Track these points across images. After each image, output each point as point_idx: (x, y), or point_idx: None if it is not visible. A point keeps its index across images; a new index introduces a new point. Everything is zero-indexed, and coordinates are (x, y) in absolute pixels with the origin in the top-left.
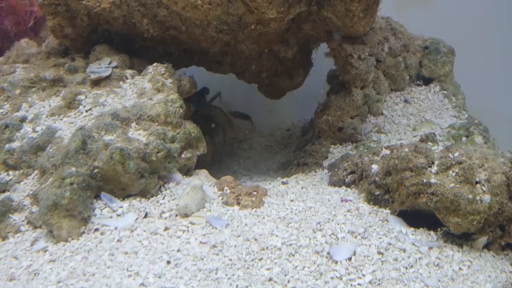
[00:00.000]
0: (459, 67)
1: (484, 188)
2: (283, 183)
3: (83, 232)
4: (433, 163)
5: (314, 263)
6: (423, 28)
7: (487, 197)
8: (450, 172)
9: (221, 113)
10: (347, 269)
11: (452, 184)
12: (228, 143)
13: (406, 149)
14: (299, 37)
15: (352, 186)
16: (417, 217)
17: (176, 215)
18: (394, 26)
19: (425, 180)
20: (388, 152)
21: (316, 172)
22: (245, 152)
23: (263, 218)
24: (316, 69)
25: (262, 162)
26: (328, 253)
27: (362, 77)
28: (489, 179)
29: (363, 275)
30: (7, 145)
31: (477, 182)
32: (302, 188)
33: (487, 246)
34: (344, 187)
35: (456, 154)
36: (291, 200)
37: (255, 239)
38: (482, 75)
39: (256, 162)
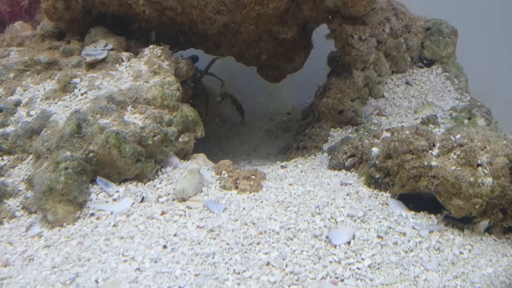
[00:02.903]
0: (462, 49)
1: (486, 171)
2: (282, 167)
3: (79, 217)
4: (434, 145)
5: (313, 247)
6: (425, 8)
7: (489, 180)
8: (452, 154)
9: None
10: (346, 253)
11: (454, 167)
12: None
13: (407, 132)
14: (299, 18)
15: (352, 169)
16: (417, 201)
17: (173, 200)
18: (396, 6)
19: (426, 163)
20: (388, 134)
21: (316, 155)
22: (244, 137)
23: (261, 202)
24: (317, 51)
25: (262, 146)
26: (327, 237)
27: (363, 59)
28: (491, 161)
29: (362, 259)
30: (1, 130)
31: (479, 165)
32: (301, 172)
33: (488, 230)
34: (344, 171)
35: (458, 136)
36: (290, 184)
37: (253, 223)
38: (486, 56)
39: (256, 146)
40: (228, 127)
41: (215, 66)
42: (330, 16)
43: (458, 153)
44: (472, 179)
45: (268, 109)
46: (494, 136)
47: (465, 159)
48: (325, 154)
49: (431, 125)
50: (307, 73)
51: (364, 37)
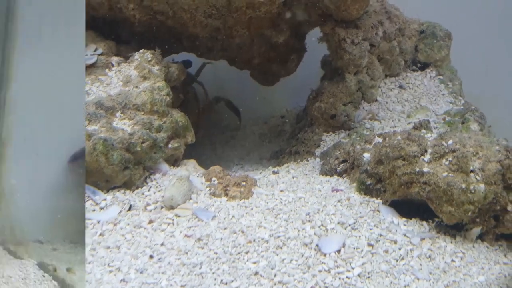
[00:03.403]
0: (455, 51)
1: (478, 177)
2: (274, 172)
3: None
4: (426, 151)
5: (302, 256)
6: (419, 11)
7: (481, 187)
8: (444, 160)
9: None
10: (336, 262)
11: (445, 173)
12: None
13: (399, 137)
14: (291, 22)
15: (343, 175)
16: (409, 207)
17: (162, 207)
18: (389, 9)
19: (417, 169)
20: (380, 140)
21: (308, 160)
22: (238, 140)
23: (251, 209)
24: (310, 54)
25: (255, 151)
26: (317, 245)
27: (356, 63)
28: (484, 167)
29: (352, 268)
30: None
31: (471, 171)
32: (293, 178)
33: (480, 237)
34: (335, 176)
35: (450, 142)
36: (281, 190)
37: (242, 232)
38: (480, 59)
39: (250, 150)
40: (222, 131)
41: (207, 70)
42: (322, 20)
43: (450, 159)
44: (464, 185)
45: (262, 112)
46: (487, 142)
47: (457, 165)
48: (318, 159)
49: (423, 130)
50: (301, 76)
51: (356, 41)
